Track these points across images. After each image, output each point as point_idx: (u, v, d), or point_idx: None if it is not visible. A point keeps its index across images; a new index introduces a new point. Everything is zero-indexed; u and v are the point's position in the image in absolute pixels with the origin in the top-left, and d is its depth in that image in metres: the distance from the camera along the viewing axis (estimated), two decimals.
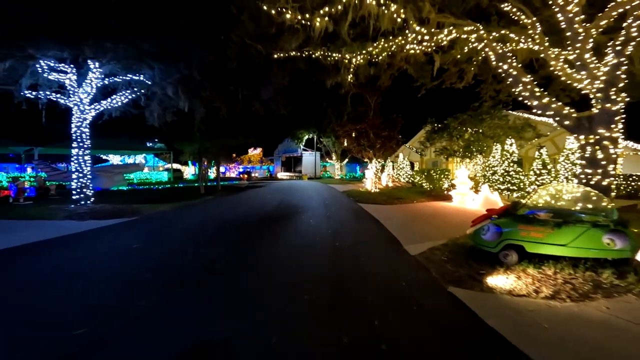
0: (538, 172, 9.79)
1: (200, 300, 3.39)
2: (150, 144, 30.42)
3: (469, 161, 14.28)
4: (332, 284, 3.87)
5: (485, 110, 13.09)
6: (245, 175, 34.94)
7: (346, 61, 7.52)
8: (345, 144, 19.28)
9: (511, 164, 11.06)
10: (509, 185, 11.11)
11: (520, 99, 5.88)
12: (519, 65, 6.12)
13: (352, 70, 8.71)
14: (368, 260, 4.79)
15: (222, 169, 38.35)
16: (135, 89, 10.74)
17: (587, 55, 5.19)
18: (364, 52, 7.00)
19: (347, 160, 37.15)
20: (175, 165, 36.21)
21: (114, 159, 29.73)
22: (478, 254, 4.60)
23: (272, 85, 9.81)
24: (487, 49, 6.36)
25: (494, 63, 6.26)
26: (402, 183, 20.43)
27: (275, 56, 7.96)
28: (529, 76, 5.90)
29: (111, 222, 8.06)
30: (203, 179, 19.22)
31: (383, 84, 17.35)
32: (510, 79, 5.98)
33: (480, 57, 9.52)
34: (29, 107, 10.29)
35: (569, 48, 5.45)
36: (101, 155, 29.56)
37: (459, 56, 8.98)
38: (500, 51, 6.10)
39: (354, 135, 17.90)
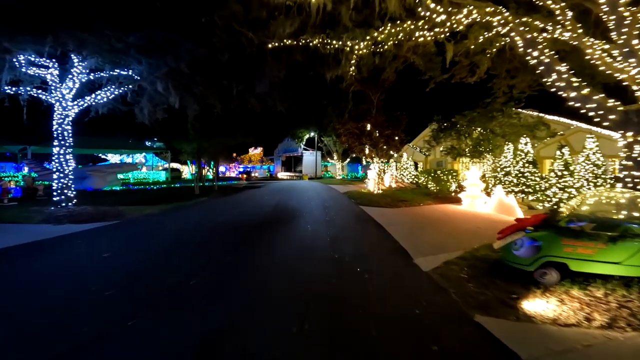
0: (560, 173, 8.95)
1: (153, 340, 2.66)
2: (149, 143, 29.81)
3: (477, 161, 13.47)
4: (329, 310, 3.13)
5: (496, 108, 12.30)
6: (245, 175, 34.24)
7: (347, 49, 6.74)
8: (347, 143, 18.46)
9: (526, 165, 10.25)
10: (523, 187, 10.30)
11: (554, 90, 5.09)
12: (552, 53, 5.33)
13: (353, 61, 7.95)
14: (372, 277, 4.03)
15: (222, 169, 37.76)
16: (122, 84, 10.06)
17: (635, 42, 4.43)
18: (367, 38, 6.22)
19: (348, 160, 36.41)
20: (175, 165, 35.57)
21: (113, 158, 29.19)
22: (505, 270, 3.86)
23: (267, 78, 9.05)
24: (512, 34, 5.57)
25: (521, 50, 5.47)
26: (406, 184, 19.66)
27: (270, 45, 7.22)
28: (563, 64, 5.12)
29: (89, 226, 7.38)
30: (200, 179, 18.54)
31: (387, 79, 16.59)
32: (542, 68, 5.19)
33: (494, 49, 8.74)
34: (22, 105, 9.64)
35: (613, 34, 4.68)
36: (99, 155, 29.05)
37: (472, 47, 8.21)
38: (529, 36, 5.30)
39: (355, 133, 17.09)
